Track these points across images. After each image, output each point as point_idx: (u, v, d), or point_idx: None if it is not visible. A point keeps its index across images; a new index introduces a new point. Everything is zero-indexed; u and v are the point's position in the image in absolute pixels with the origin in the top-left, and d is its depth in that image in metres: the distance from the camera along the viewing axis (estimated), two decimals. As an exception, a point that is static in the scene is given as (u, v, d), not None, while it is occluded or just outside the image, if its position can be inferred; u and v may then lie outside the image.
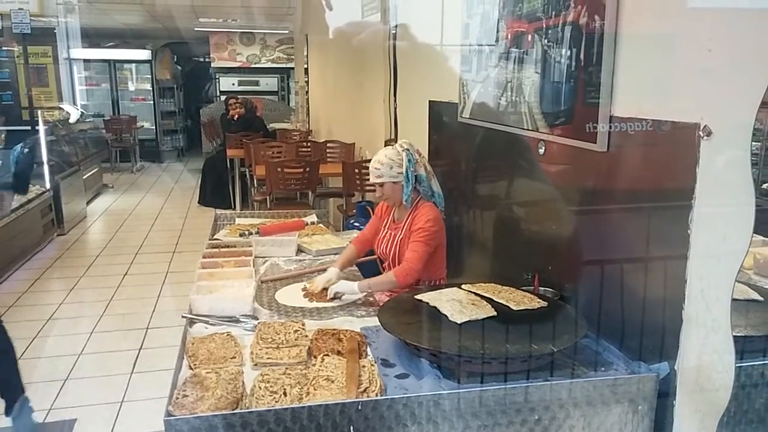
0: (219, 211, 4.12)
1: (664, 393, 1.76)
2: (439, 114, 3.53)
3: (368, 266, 3.00)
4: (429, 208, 2.67)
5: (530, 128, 2.44)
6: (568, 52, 2.13)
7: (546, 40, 2.27)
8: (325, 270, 2.77)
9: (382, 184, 2.70)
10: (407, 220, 2.71)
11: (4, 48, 7.70)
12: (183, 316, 2.28)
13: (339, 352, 1.95)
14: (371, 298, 2.57)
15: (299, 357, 1.94)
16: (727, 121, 1.52)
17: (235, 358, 1.94)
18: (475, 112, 2.97)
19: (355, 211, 5.09)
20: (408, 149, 2.67)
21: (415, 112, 3.93)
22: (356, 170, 5.41)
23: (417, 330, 1.99)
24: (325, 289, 2.57)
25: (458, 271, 3.08)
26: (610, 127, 1.95)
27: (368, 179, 5.12)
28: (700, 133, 1.56)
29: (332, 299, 2.53)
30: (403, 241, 2.70)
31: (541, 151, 2.40)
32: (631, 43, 1.88)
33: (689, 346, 1.66)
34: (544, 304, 2.10)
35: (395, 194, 2.70)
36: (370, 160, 2.82)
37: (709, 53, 1.54)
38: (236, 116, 8.73)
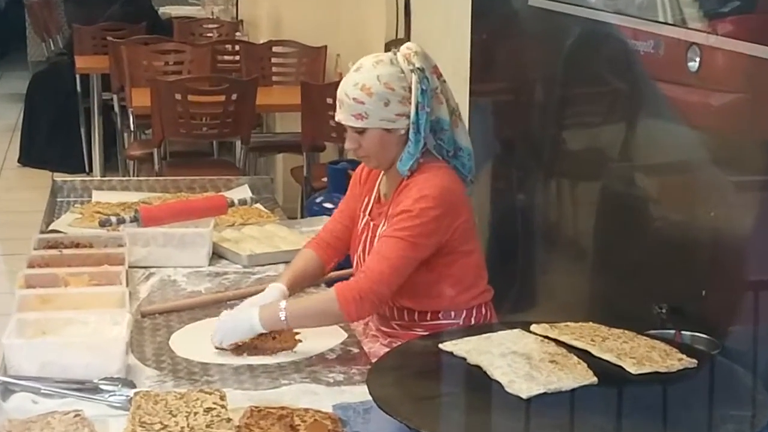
0: (60, 177, 3.70)
1: None
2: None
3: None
4: (432, 174, 2.03)
5: (672, 22, 2.16)
6: None
7: None
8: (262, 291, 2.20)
9: (362, 131, 2.03)
10: (395, 195, 2.09)
11: None
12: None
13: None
14: (354, 350, 2.00)
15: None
16: None
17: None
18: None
19: (326, 179, 4.16)
20: (422, 68, 1.99)
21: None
22: (329, 100, 4.28)
23: (442, 410, 1.66)
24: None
25: (523, 297, 2.79)
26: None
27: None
28: None
29: (260, 351, 1.96)
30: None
31: (694, 64, 2.02)
32: None
33: None
34: (692, 362, 1.74)
35: (385, 151, 2.05)
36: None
37: None
38: None
